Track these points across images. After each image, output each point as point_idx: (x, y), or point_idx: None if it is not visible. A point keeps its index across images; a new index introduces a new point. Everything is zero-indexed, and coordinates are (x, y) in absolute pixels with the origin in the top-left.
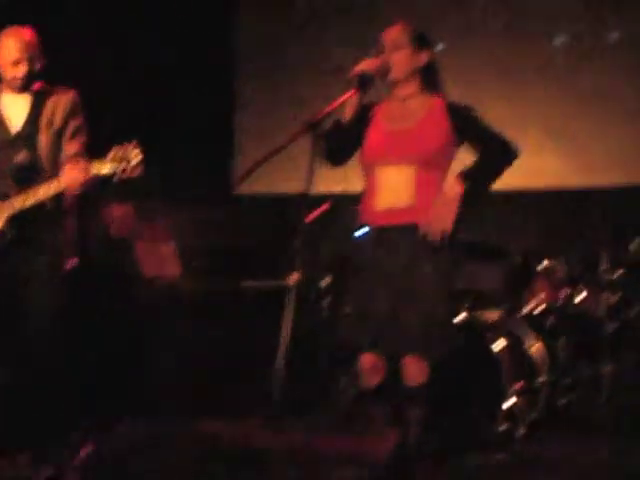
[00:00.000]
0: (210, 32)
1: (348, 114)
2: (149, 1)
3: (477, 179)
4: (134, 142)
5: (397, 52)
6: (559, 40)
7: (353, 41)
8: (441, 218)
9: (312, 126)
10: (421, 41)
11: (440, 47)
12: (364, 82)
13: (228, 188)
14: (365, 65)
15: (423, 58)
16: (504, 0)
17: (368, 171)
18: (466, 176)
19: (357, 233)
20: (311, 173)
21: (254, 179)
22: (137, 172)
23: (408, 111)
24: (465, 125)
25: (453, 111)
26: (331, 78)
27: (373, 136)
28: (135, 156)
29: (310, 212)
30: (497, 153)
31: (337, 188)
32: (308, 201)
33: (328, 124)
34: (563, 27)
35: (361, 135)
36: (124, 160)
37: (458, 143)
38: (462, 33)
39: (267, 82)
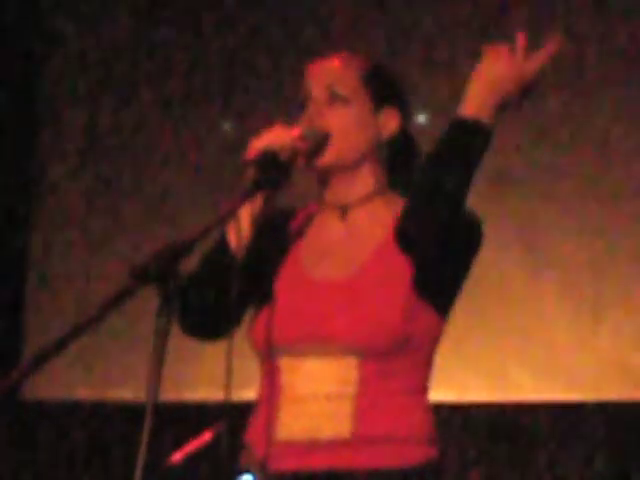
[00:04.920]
0: None
1: (235, 238)
2: None
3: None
4: None
5: (335, 108)
6: None
7: None
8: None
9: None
10: (386, 88)
11: (422, 119)
12: (270, 174)
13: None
14: (271, 138)
15: (390, 123)
16: None
17: (266, 361)
18: None
19: None
20: (158, 368)
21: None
22: None
23: (353, 237)
24: None
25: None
26: None
27: (283, 289)
28: None
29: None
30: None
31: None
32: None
33: (191, 259)
34: None
35: (259, 279)
36: None
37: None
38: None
39: None
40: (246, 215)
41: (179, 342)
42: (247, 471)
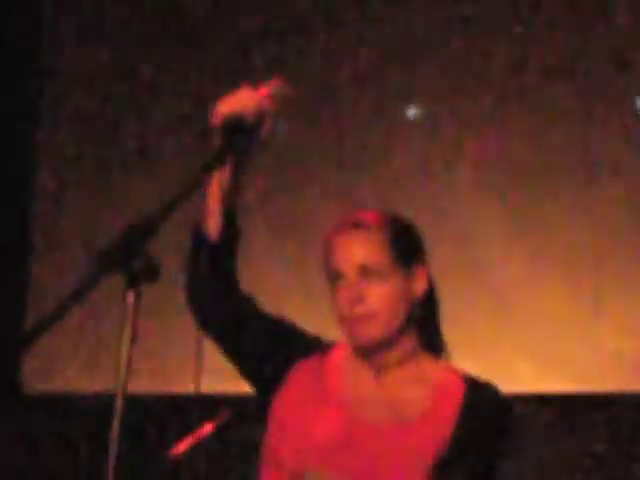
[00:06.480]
0: None
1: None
2: None
3: None
4: None
5: (372, 283)
6: None
7: None
8: None
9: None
10: (412, 248)
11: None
12: (236, 138)
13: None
14: (236, 101)
15: (421, 282)
16: None
17: (290, 477)
18: None
19: None
20: None
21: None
22: None
23: (388, 398)
24: None
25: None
26: None
27: (318, 424)
28: None
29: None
30: None
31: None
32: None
33: None
34: None
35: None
36: None
37: None
38: None
39: None
40: (215, 186)
41: (180, 336)
42: None
